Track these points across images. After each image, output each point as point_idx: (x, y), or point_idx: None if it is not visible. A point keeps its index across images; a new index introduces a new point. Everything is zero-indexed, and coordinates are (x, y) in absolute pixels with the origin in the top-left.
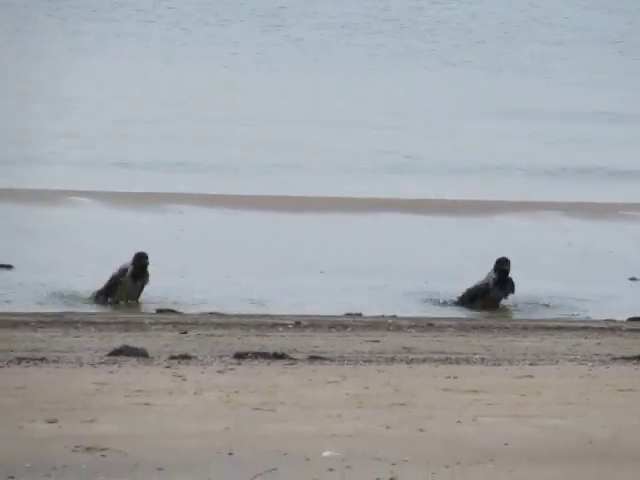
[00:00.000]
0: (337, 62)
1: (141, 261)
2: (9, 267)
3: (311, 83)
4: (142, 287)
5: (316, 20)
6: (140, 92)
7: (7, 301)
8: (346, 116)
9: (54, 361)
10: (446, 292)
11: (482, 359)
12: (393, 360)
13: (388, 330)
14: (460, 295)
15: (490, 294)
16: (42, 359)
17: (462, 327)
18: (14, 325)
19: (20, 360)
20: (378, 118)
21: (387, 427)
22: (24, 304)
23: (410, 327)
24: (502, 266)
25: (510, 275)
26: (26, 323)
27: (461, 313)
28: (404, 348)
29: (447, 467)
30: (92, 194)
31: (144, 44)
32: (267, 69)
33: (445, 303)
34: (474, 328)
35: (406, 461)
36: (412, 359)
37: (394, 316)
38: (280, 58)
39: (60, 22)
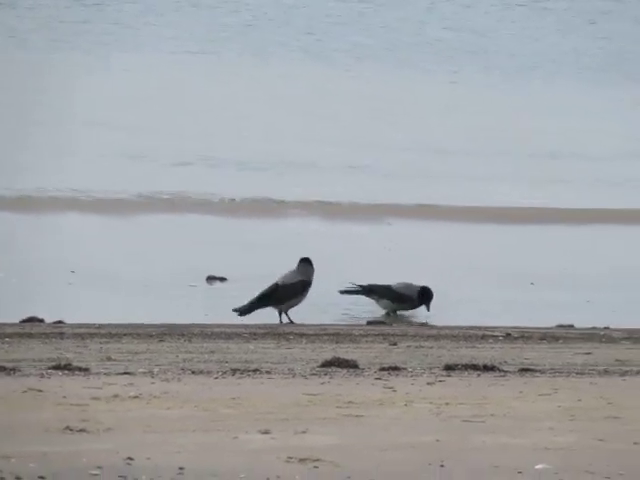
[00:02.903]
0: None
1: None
2: (223, 279)
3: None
4: None
5: None
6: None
7: (222, 313)
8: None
9: (267, 372)
10: None
11: None
12: (606, 372)
13: (601, 342)
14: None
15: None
16: (255, 370)
17: None
18: (228, 337)
19: (234, 371)
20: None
21: (601, 440)
22: (238, 316)
23: (623, 339)
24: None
25: None
26: (239, 335)
27: None
28: (617, 360)
29: None
30: (305, 205)
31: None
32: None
33: None
34: None
35: (621, 475)
36: (626, 371)
37: (607, 328)
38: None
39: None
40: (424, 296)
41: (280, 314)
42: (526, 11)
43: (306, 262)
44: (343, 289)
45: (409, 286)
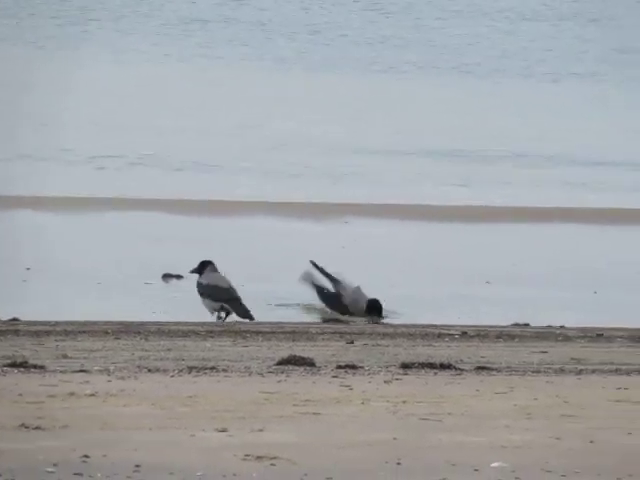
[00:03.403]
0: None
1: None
2: (179, 277)
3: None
4: None
5: None
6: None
7: (178, 311)
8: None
9: (223, 370)
10: (615, 301)
11: None
12: (562, 371)
13: (556, 340)
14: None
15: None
16: (212, 368)
17: (633, 337)
18: (185, 334)
19: (191, 369)
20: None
21: (557, 438)
22: (195, 314)
23: (579, 337)
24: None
25: None
26: (196, 332)
27: (632, 323)
28: (573, 359)
29: (619, 479)
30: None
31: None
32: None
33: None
34: None
35: (577, 473)
36: (581, 370)
37: (562, 326)
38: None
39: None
40: (372, 309)
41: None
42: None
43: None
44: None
45: (358, 299)
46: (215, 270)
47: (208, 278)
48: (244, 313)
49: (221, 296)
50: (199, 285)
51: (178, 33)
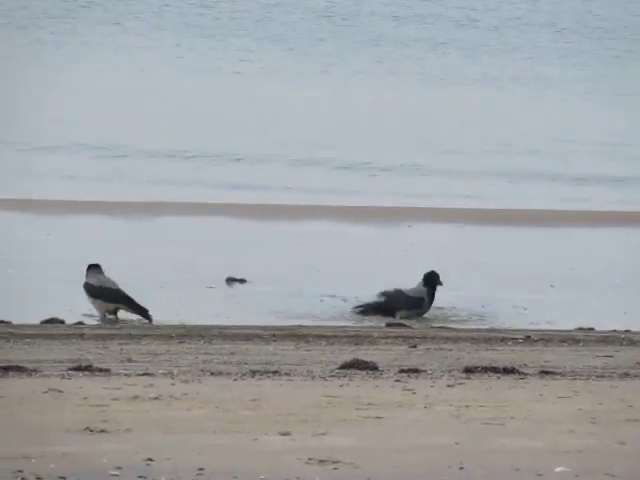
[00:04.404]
0: None
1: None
2: (243, 281)
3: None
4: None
5: None
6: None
7: (242, 314)
8: None
9: (286, 374)
10: None
11: None
12: (627, 375)
13: (621, 345)
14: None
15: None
16: (275, 372)
17: None
18: (247, 338)
19: (254, 373)
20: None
21: (621, 443)
22: (258, 317)
23: None
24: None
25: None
26: (259, 336)
27: None
28: (638, 363)
29: None
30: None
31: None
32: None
33: None
34: None
35: None
36: None
37: (627, 330)
38: None
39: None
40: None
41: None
42: None
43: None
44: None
45: (418, 289)
46: (100, 272)
47: (96, 280)
48: (142, 312)
49: (112, 297)
50: (89, 286)
51: None
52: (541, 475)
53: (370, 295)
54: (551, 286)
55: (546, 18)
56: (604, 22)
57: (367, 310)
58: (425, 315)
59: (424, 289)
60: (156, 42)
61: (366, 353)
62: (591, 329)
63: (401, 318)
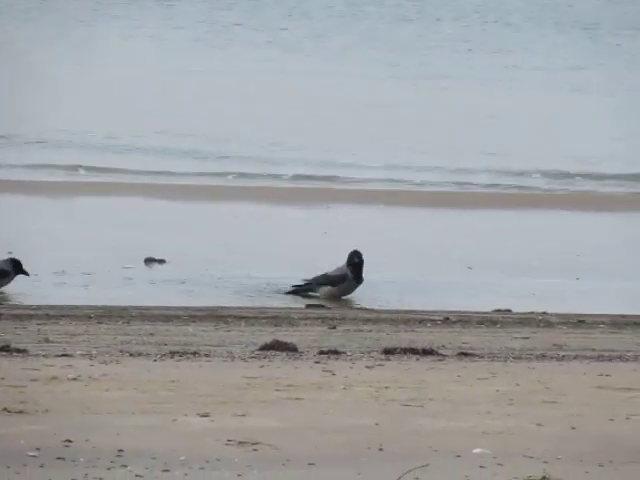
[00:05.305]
0: None
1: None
2: (162, 262)
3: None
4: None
5: None
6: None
7: (160, 295)
8: None
9: (206, 355)
10: (595, 288)
11: (636, 356)
12: (544, 357)
13: (538, 327)
14: (309, 279)
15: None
16: (194, 353)
17: (614, 323)
18: (167, 319)
19: (173, 354)
20: None
21: (538, 424)
22: (176, 298)
23: (560, 323)
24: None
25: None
26: (178, 317)
27: (613, 309)
28: (555, 345)
29: (601, 466)
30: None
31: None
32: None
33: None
34: (627, 325)
35: (559, 459)
36: (563, 356)
37: (544, 312)
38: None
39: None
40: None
41: None
42: None
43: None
44: (288, 290)
45: (340, 268)
46: None
47: None
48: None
49: None
50: None
51: None
52: (459, 456)
53: (290, 276)
54: (469, 268)
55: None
56: None
57: (297, 292)
58: (347, 296)
59: (346, 268)
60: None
61: (286, 334)
62: (508, 311)
63: (324, 296)
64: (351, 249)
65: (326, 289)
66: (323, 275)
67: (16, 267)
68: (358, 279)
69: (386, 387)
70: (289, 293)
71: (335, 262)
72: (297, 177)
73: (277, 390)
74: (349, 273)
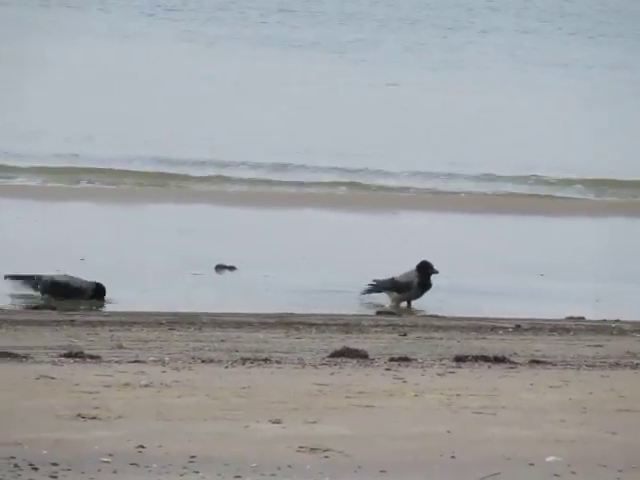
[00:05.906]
0: None
1: (428, 271)
2: (232, 268)
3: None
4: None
5: None
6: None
7: (231, 302)
8: None
9: (277, 362)
10: None
11: None
12: (617, 365)
13: (612, 334)
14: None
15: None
16: (265, 360)
17: None
18: (238, 325)
19: (244, 360)
20: None
21: (613, 433)
22: (247, 305)
23: (634, 331)
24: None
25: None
26: (249, 324)
27: None
28: (628, 353)
29: None
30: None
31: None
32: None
33: None
34: None
35: (634, 468)
36: (637, 364)
37: (618, 320)
38: None
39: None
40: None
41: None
42: None
43: None
44: (363, 291)
45: (408, 274)
46: None
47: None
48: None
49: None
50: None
51: None
52: (532, 464)
53: (361, 282)
54: (541, 275)
55: None
56: None
57: (371, 290)
58: (415, 304)
59: (414, 274)
60: None
61: (356, 341)
62: (581, 318)
63: (391, 300)
64: (421, 257)
65: (393, 295)
66: (390, 279)
67: (98, 291)
68: (425, 286)
69: (457, 395)
70: (365, 293)
71: (403, 268)
72: (353, 185)
73: (348, 397)
74: (415, 279)
